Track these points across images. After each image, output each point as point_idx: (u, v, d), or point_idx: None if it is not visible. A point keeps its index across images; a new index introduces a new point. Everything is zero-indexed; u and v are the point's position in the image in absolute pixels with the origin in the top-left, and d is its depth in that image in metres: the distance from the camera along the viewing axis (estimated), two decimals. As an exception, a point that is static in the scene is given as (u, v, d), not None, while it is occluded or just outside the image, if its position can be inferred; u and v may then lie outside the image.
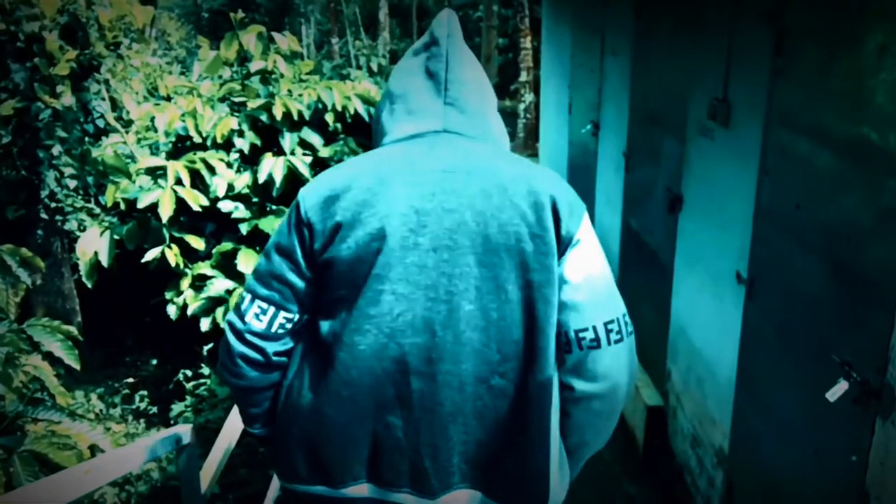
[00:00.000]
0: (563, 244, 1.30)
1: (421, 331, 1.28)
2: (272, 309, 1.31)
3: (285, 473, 1.37)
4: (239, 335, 1.33)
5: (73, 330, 2.38)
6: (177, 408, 5.03)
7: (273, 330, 1.32)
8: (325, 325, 1.31)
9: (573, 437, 1.41)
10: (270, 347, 1.33)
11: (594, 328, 1.31)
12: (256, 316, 1.31)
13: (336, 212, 1.28)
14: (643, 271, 4.11)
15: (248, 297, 1.34)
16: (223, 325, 4.75)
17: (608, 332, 1.31)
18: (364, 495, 1.33)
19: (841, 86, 2.08)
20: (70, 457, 2.23)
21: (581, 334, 1.30)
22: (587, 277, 1.32)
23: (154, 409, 5.30)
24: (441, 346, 1.27)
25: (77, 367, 2.36)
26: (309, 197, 1.31)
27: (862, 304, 1.96)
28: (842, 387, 1.98)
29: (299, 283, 1.31)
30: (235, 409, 2.28)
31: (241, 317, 1.33)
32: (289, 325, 1.33)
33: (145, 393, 5.50)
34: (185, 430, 1.85)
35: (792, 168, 2.34)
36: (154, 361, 6.01)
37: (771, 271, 2.49)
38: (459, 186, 1.29)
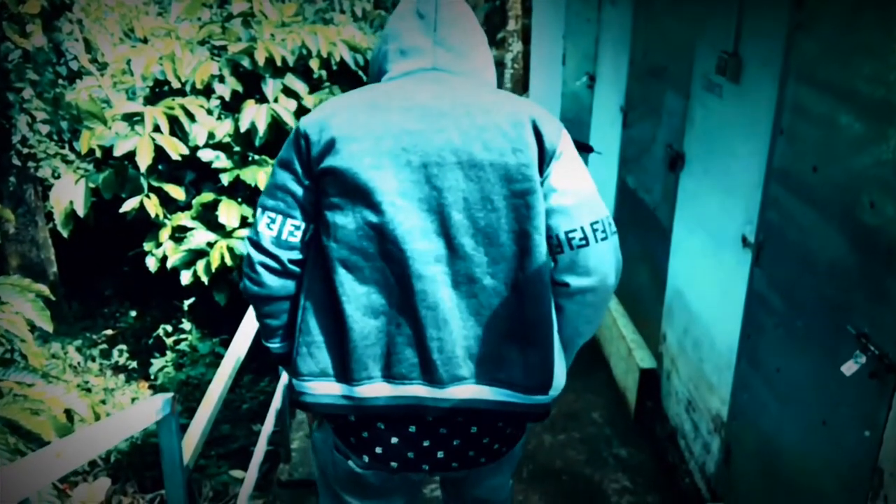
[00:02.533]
0: (548, 156, 1.43)
1: (418, 238, 1.41)
2: (279, 217, 1.45)
3: (303, 369, 1.48)
4: (256, 245, 1.47)
5: (45, 289, 2.23)
6: (157, 363, 4.91)
7: (284, 237, 1.45)
8: (327, 241, 1.43)
9: (567, 329, 1.55)
10: (284, 255, 1.46)
11: (582, 228, 1.44)
12: (268, 225, 1.45)
13: (331, 127, 1.39)
14: (639, 230, 4.00)
15: (260, 209, 1.48)
16: (204, 278, 4.63)
17: (594, 231, 1.45)
18: (379, 396, 1.45)
19: (868, 41, 1.94)
20: (43, 423, 2.11)
21: (570, 234, 1.44)
22: (572, 184, 1.45)
23: (133, 364, 5.18)
24: (436, 251, 1.42)
25: (49, 328, 2.23)
26: (307, 118, 1.44)
27: (883, 274, 1.87)
28: (858, 361, 1.89)
29: (299, 190, 1.43)
30: (218, 375, 2.17)
31: (257, 227, 1.47)
32: (297, 234, 1.46)
33: (124, 347, 5.37)
34: (165, 401, 1.74)
35: (810, 128, 2.22)
36: (133, 313, 5.88)
37: (782, 236, 2.39)
38: (446, 110, 1.41)
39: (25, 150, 5.45)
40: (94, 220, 4.95)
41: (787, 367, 2.36)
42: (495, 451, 1.58)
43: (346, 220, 1.41)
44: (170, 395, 1.77)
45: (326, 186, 1.41)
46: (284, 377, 3.19)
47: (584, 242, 1.44)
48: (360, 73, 5.60)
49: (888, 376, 1.83)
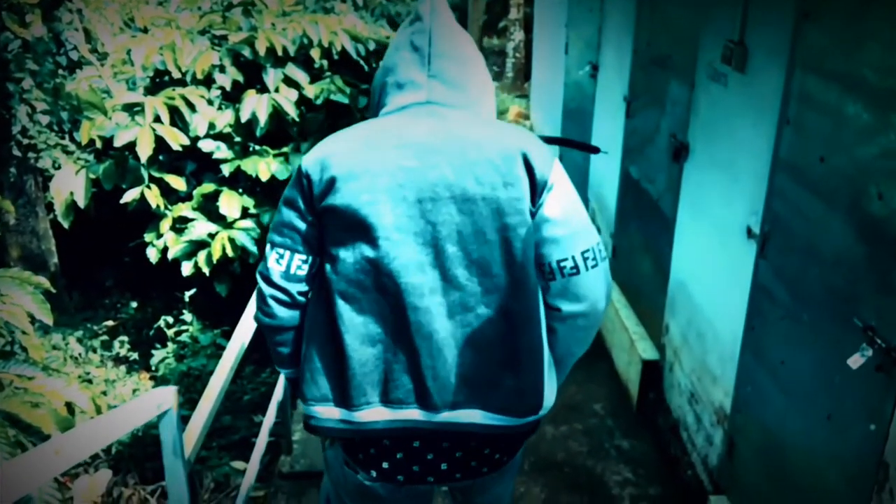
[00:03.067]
0: (539, 188, 1.47)
1: (413, 271, 1.47)
2: (287, 253, 1.52)
3: (308, 394, 1.57)
4: (266, 279, 1.55)
5: (45, 281, 2.22)
6: (158, 354, 4.90)
7: (293, 271, 1.53)
8: (329, 270, 1.51)
9: (560, 349, 1.62)
10: (293, 288, 1.54)
11: (573, 257, 1.50)
12: (277, 261, 1.53)
13: (331, 167, 1.46)
14: (642, 221, 3.98)
15: (269, 245, 1.55)
16: (205, 269, 4.62)
17: (585, 259, 1.50)
18: (377, 420, 1.52)
19: (876, 30, 1.92)
20: (43, 416, 2.10)
21: (562, 263, 1.50)
22: (564, 215, 1.50)
23: (135, 356, 5.17)
24: (431, 283, 1.47)
25: (49, 321, 2.21)
26: (309, 157, 1.50)
27: (891, 266, 1.85)
28: (865, 354, 1.88)
29: (304, 227, 1.51)
30: (220, 367, 2.16)
31: (266, 262, 1.55)
32: (305, 267, 1.54)
33: (125, 339, 5.36)
34: (166, 394, 1.72)
35: (817, 118, 2.19)
36: (134, 304, 5.86)
37: (788, 227, 2.37)
38: (440, 146, 1.46)
39: (25, 141, 5.42)
40: (95, 211, 4.93)
41: (791, 359, 2.34)
42: (496, 461, 1.64)
43: (345, 253, 1.49)
44: (171, 388, 1.76)
45: (328, 222, 1.49)
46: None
47: (574, 271, 1.51)
48: (362, 62, 5.57)
49: (895, 370, 1.82)
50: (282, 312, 1.57)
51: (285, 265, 1.53)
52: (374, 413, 1.53)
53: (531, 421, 1.58)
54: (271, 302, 1.56)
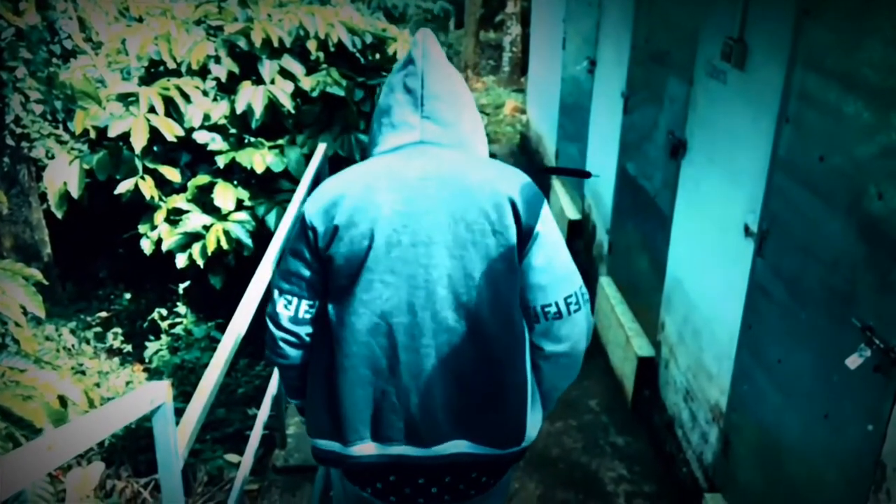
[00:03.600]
0: (524, 236, 1.54)
1: (405, 312, 1.55)
2: (295, 299, 1.62)
3: (311, 429, 1.70)
4: (276, 323, 1.65)
5: (37, 273, 2.19)
6: (152, 346, 4.87)
7: (300, 315, 1.63)
8: (330, 309, 1.60)
9: (546, 384, 1.69)
10: (301, 331, 1.65)
11: (556, 303, 1.58)
12: (285, 306, 1.62)
13: (334, 216, 1.54)
14: (639, 218, 3.97)
15: (277, 292, 1.64)
16: (199, 261, 4.59)
17: (568, 304, 1.59)
18: (370, 454, 1.62)
19: (878, 28, 1.90)
20: (35, 409, 2.08)
21: (546, 308, 1.59)
22: (548, 263, 1.58)
23: (128, 348, 5.14)
24: (421, 324, 1.55)
25: (41, 314, 2.19)
26: (311, 206, 1.57)
27: (890, 266, 1.84)
28: (863, 355, 1.87)
29: (311, 275, 1.60)
30: (214, 362, 2.14)
31: (275, 307, 1.64)
32: (312, 311, 1.63)
33: (119, 330, 5.33)
34: (160, 389, 1.70)
35: (817, 116, 2.18)
36: (128, 296, 5.83)
37: (786, 226, 2.36)
38: (433, 192, 1.53)
39: (19, 130, 5.38)
40: (89, 202, 4.89)
41: (789, 358, 2.34)
42: (483, 484, 1.73)
43: (343, 296, 1.58)
44: (164, 382, 1.73)
45: (331, 267, 1.57)
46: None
47: (558, 315, 1.59)
48: (358, 55, 5.54)
49: (893, 370, 1.81)
50: (292, 353, 1.68)
51: (293, 310, 1.63)
52: (366, 448, 1.63)
53: (514, 451, 1.67)
54: (282, 344, 1.66)
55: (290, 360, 1.70)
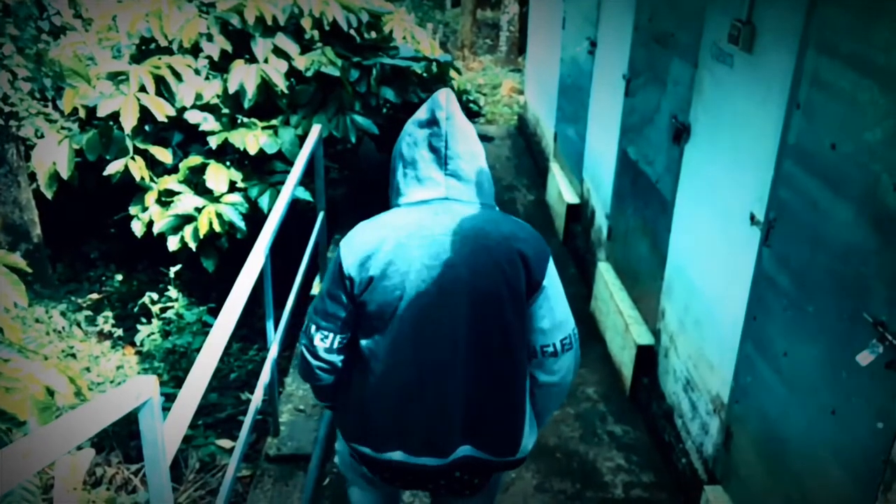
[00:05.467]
0: (532, 288, 1.80)
1: (430, 347, 1.80)
2: (331, 335, 1.86)
3: (346, 434, 1.97)
4: (313, 354, 1.89)
5: (20, 261, 2.11)
6: (144, 330, 4.80)
7: (335, 347, 1.87)
8: (364, 343, 1.84)
9: (538, 407, 1.99)
10: (336, 359, 1.89)
11: (553, 344, 1.87)
12: (322, 339, 1.86)
13: (369, 268, 1.78)
14: (639, 203, 3.90)
15: (314, 327, 1.87)
16: (192, 244, 4.51)
17: (563, 345, 1.88)
18: (398, 459, 1.88)
19: (897, 11, 1.83)
20: (19, 402, 2.01)
21: (545, 348, 1.87)
22: (550, 312, 1.84)
23: (119, 332, 5.06)
24: (444, 360, 1.81)
25: (24, 303, 2.11)
26: (349, 258, 1.80)
27: (905, 260, 1.78)
28: (875, 351, 1.81)
29: (346, 315, 1.84)
30: (205, 351, 2.07)
31: (311, 341, 1.88)
32: (345, 341, 1.88)
33: (110, 314, 5.25)
34: (146, 384, 1.63)
35: (830, 102, 2.11)
36: (119, 277, 5.74)
37: (794, 215, 2.29)
38: (456, 248, 1.78)
39: (7, 109, 5.26)
40: (80, 182, 4.79)
41: (795, 351, 2.28)
42: (476, 486, 2.00)
43: (376, 333, 1.81)
44: (151, 377, 1.67)
45: (364, 310, 1.80)
46: (273, 350, 3.10)
47: (553, 353, 1.87)
48: (354, 33, 5.43)
49: (906, 367, 1.75)
50: (327, 378, 1.93)
51: (329, 343, 1.86)
52: (395, 455, 1.88)
53: (507, 460, 1.93)
54: (318, 371, 1.91)
55: (324, 383, 1.95)
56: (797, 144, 2.28)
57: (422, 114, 1.88)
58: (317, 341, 1.86)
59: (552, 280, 1.85)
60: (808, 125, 2.22)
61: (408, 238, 1.77)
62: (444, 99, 1.86)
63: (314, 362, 1.89)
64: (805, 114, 2.23)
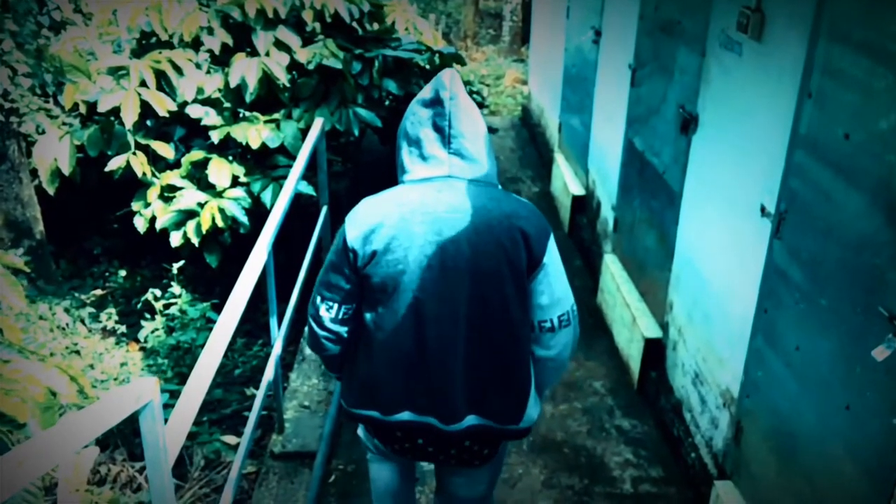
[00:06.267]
0: (533, 264, 1.84)
1: (433, 322, 1.85)
2: (336, 305, 1.92)
3: (351, 401, 2.03)
4: (319, 324, 1.95)
5: (18, 261, 2.08)
6: (148, 326, 4.77)
7: (340, 317, 1.93)
8: (368, 315, 1.91)
9: (538, 380, 2.04)
10: (342, 329, 1.95)
11: (551, 320, 1.91)
12: (327, 310, 1.92)
13: (372, 242, 1.82)
14: (646, 194, 3.85)
15: (319, 298, 1.93)
16: (194, 240, 4.47)
17: (560, 321, 1.92)
18: (406, 419, 1.94)
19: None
20: (18, 405, 1.98)
21: (542, 324, 1.92)
22: (549, 288, 1.89)
23: (122, 329, 5.04)
24: (446, 332, 1.86)
25: (22, 304, 2.08)
26: (352, 231, 1.85)
27: (921, 253, 1.73)
28: (892, 346, 1.77)
29: (350, 287, 1.90)
30: (208, 349, 2.04)
31: (317, 311, 1.94)
32: (350, 313, 1.93)
33: (113, 311, 5.22)
34: (146, 386, 1.60)
35: (842, 91, 2.06)
36: (123, 273, 5.72)
37: (806, 207, 2.24)
38: (459, 225, 1.81)
39: (7, 105, 5.23)
40: (82, 177, 4.76)
41: (807, 345, 2.24)
42: (485, 456, 2.07)
43: (380, 307, 1.87)
44: (151, 378, 1.63)
45: (368, 282, 1.86)
46: (277, 347, 3.07)
47: (550, 329, 1.92)
48: (356, 25, 5.37)
49: (924, 363, 1.71)
50: (333, 347, 1.99)
51: (334, 314, 1.92)
52: (402, 415, 1.94)
53: (513, 429, 1.98)
54: (324, 341, 1.98)
55: (331, 353, 2.00)
56: (809, 134, 2.23)
57: (426, 93, 1.91)
58: (322, 312, 1.92)
59: (552, 257, 1.89)
60: (820, 114, 2.17)
61: (411, 214, 1.81)
62: (449, 79, 1.88)
63: (320, 332, 1.96)
64: (817, 103, 2.18)
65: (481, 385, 1.91)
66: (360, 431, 2.25)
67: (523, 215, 1.86)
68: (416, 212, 1.82)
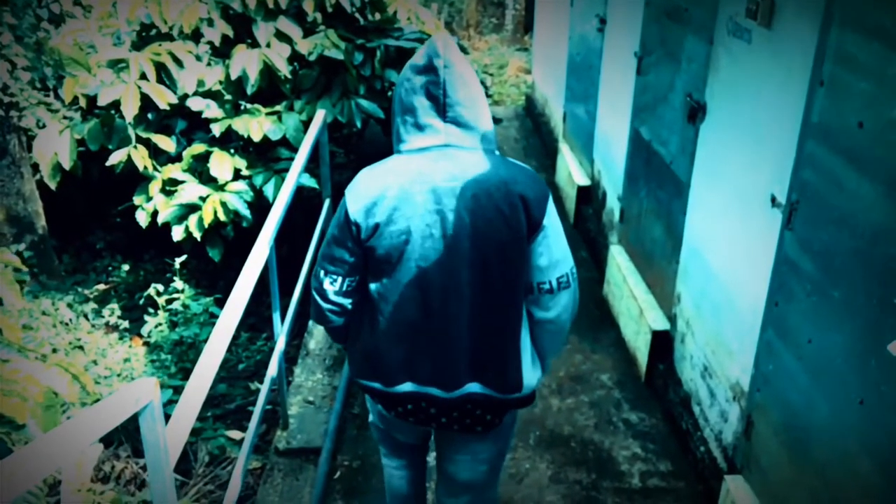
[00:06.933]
0: (533, 227, 1.85)
1: (437, 290, 1.87)
2: (339, 278, 1.92)
3: (355, 371, 2.07)
4: (323, 297, 1.97)
5: (14, 259, 2.04)
6: (151, 321, 4.75)
7: (344, 289, 1.94)
8: (373, 286, 1.92)
9: (538, 346, 2.04)
10: (346, 301, 1.97)
11: (550, 281, 1.92)
12: (331, 283, 1.93)
13: (375, 214, 1.83)
14: (653, 184, 3.80)
15: (322, 271, 1.94)
16: (197, 234, 4.44)
17: (559, 283, 1.93)
18: (407, 390, 1.98)
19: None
20: (17, 405, 1.95)
21: (541, 285, 1.93)
22: (548, 250, 1.89)
23: (125, 324, 5.01)
24: (448, 298, 1.88)
25: (19, 302, 2.05)
26: (354, 205, 1.85)
27: (939, 245, 1.68)
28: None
29: (353, 260, 1.90)
30: (205, 354, 2.01)
31: (321, 284, 1.95)
32: (354, 285, 1.95)
33: (116, 307, 5.20)
34: (145, 387, 1.56)
35: (856, 79, 2.00)
36: (126, 267, 5.69)
37: (819, 197, 2.19)
38: (458, 193, 1.82)
39: (7, 99, 5.19)
40: (84, 171, 4.72)
41: (820, 339, 2.19)
42: (488, 422, 2.06)
43: (384, 277, 1.89)
44: (151, 379, 1.60)
45: (372, 254, 1.87)
46: (280, 343, 3.03)
47: (549, 290, 1.93)
48: (357, 15, 5.32)
49: (942, 357, 1.67)
50: (337, 320, 2.02)
51: (338, 286, 1.93)
52: (404, 386, 1.98)
53: (514, 397, 2.00)
54: (328, 314, 2.00)
55: (336, 324, 2.03)
56: (821, 123, 2.18)
57: (419, 59, 1.87)
58: (326, 285, 1.94)
59: (551, 219, 1.89)
60: (833, 103, 2.11)
61: (410, 184, 1.82)
62: (442, 45, 1.85)
63: (325, 305, 1.98)
64: (829, 91, 2.13)
65: (482, 351, 1.93)
66: (368, 402, 2.27)
67: (521, 180, 1.86)
68: (416, 182, 1.82)
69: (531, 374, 2.01)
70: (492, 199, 1.81)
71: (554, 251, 1.90)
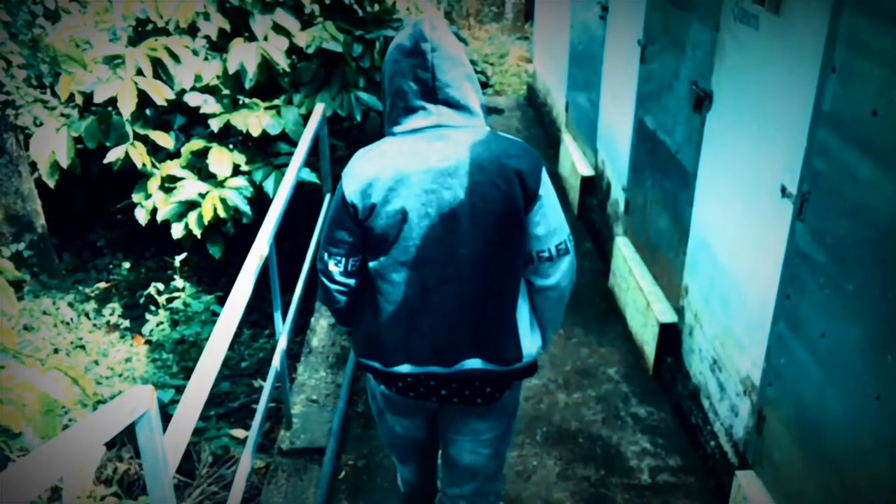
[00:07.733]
0: (529, 198, 1.88)
1: (434, 268, 1.91)
2: (343, 258, 1.97)
3: (358, 350, 2.10)
4: (329, 278, 2.01)
5: (7, 264, 2.00)
6: (152, 320, 4.70)
7: (349, 269, 1.98)
8: (372, 266, 1.96)
9: (538, 316, 2.07)
10: (351, 281, 2.01)
11: (549, 249, 1.95)
12: (336, 264, 1.98)
13: (370, 195, 1.86)
14: (658, 174, 3.74)
15: (326, 254, 1.99)
16: (196, 231, 4.39)
17: (558, 250, 1.96)
18: (405, 371, 2.01)
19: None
20: (12, 413, 1.91)
21: (541, 254, 1.96)
22: (545, 219, 1.92)
23: (126, 323, 4.97)
24: (447, 275, 1.91)
25: (14, 308, 2.00)
26: (350, 187, 1.88)
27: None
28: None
29: (353, 240, 1.94)
30: (206, 354, 1.96)
31: (326, 267, 2.00)
32: (357, 265, 1.98)
33: (117, 306, 5.16)
34: (142, 395, 1.52)
35: (869, 66, 1.94)
36: (127, 265, 5.65)
37: (831, 188, 2.14)
38: (452, 171, 1.85)
39: (2, 97, 5.14)
40: (82, 169, 4.67)
41: (833, 332, 2.14)
42: (488, 395, 2.07)
43: (382, 255, 1.92)
44: (147, 387, 1.56)
45: (370, 233, 1.91)
46: (282, 341, 2.99)
47: (549, 258, 1.96)
48: (355, 6, 5.24)
49: (963, 353, 1.61)
50: (343, 299, 2.05)
51: (343, 267, 1.97)
52: (402, 368, 2.00)
53: (515, 368, 2.02)
54: (336, 294, 2.03)
55: (342, 305, 2.06)
56: (833, 111, 2.12)
57: (405, 39, 1.88)
58: (331, 267, 1.98)
59: (546, 189, 1.92)
60: (845, 90, 2.05)
61: (406, 165, 1.85)
62: (429, 28, 1.87)
63: (332, 286, 2.02)
64: (841, 78, 2.07)
65: (482, 325, 1.96)
66: (369, 385, 2.28)
67: (514, 153, 1.89)
68: (411, 163, 1.85)
69: (530, 343, 2.04)
70: (487, 175, 1.84)
71: (551, 220, 1.93)
